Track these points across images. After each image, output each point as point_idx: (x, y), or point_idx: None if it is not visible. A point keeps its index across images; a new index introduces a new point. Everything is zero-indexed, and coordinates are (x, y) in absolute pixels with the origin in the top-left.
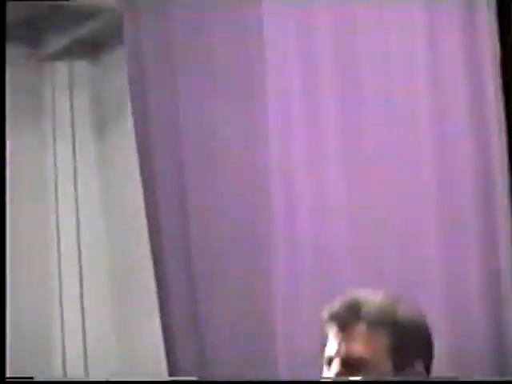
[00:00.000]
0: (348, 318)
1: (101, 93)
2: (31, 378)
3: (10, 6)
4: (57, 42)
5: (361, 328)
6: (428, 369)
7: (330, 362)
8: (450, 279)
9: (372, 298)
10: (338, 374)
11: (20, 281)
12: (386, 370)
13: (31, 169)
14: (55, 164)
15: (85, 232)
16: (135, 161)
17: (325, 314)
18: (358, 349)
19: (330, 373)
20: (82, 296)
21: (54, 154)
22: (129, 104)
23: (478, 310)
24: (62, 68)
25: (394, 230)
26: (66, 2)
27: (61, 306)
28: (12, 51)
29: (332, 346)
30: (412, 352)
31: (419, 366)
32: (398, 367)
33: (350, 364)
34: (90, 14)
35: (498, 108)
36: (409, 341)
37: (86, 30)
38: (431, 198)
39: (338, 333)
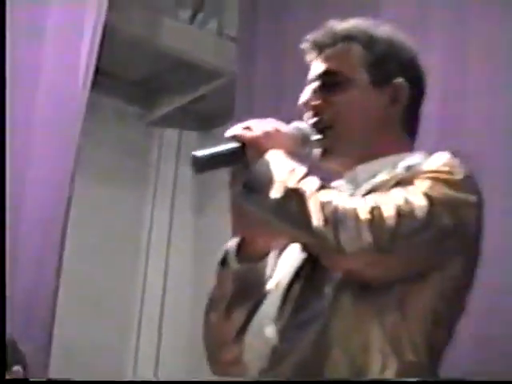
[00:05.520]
0: (325, 40)
1: None
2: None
3: (131, 65)
4: (169, 105)
5: (337, 47)
6: (415, 87)
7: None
8: None
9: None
10: (313, 95)
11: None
12: (363, 84)
13: (128, 230)
14: (151, 227)
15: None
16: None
17: (305, 45)
18: (336, 65)
19: (305, 96)
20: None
21: (151, 216)
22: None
23: None
24: (170, 135)
25: None
26: (189, 60)
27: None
28: (124, 110)
29: (310, 74)
30: (390, 67)
31: (399, 81)
32: (375, 82)
33: (327, 82)
34: (208, 75)
35: None
36: (386, 56)
37: (201, 93)
38: None
39: (316, 57)
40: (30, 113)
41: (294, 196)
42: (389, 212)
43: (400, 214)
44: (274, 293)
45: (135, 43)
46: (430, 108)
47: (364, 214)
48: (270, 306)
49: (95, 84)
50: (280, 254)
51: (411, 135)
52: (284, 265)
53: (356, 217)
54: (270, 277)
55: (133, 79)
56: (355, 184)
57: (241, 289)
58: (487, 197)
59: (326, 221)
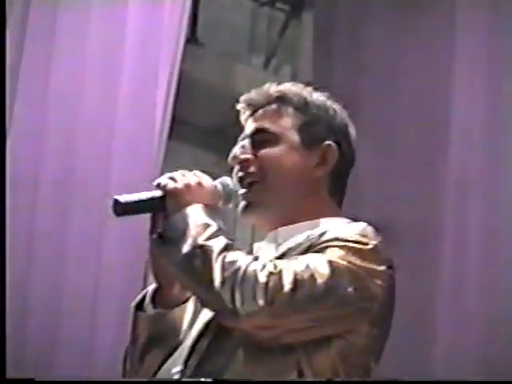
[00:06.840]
0: (258, 100)
1: None
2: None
3: (206, 112)
4: None
5: (270, 107)
6: (344, 152)
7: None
8: None
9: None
10: (242, 149)
11: None
12: (293, 144)
13: None
14: None
15: None
16: None
17: (240, 105)
18: (267, 124)
19: (234, 152)
20: None
21: None
22: None
23: None
24: None
25: None
26: None
27: None
28: (202, 157)
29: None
30: (320, 130)
31: (329, 143)
32: (305, 144)
33: (258, 140)
34: None
35: None
36: (317, 119)
37: None
38: None
39: (250, 116)
40: (106, 165)
41: (200, 253)
42: (287, 278)
43: (298, 280)
44: (186, 343)
45: (209, 91)
46: None
47: (262, 278)
48: (178, 357)
49: (172, 132)
50: None
51: (337, 200)
52: (202, 315)
53: (254, 280)
54: (191, 325)
55: (209, 126)
56: (275, 245)
57: (155, 334)
58: None
59: (224, 281)
